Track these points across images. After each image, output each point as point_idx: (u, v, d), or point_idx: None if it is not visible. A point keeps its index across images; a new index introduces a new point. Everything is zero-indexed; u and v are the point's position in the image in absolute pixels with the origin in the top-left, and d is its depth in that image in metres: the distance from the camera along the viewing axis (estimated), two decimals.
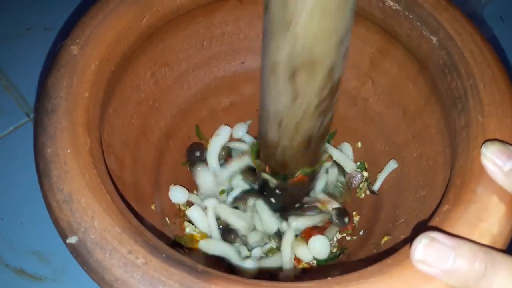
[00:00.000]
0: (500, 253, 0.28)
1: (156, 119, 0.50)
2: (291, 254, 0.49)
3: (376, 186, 0.51)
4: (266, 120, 0.42)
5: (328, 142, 0.55)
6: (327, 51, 0.34)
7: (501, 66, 0.38)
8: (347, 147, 0.55)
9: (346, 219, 0.52)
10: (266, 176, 0.48)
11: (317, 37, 0.33)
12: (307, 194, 0.53)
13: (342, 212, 0.52)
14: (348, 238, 0.51)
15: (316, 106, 0.38)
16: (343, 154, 0.55)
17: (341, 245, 0.52)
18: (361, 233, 0.50)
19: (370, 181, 0.53)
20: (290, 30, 0.32)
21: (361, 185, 0.53)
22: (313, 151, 0.44)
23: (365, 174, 0.53)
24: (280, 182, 0.48)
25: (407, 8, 0.42)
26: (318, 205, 0.52)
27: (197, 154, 0.55)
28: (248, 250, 0.51)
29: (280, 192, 0.49)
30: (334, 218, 0.52)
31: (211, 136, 0.56)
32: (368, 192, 0.53)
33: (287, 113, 0.39)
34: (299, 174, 0.47)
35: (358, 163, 0.54)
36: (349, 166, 0.55)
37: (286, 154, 0.44)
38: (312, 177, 0.49)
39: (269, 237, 0.52)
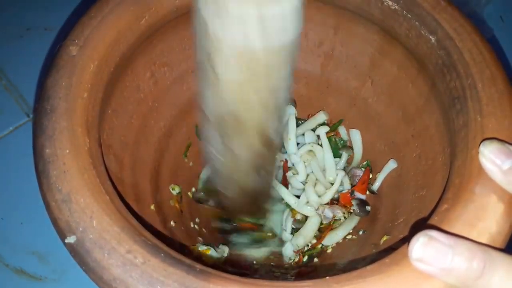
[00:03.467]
0: (498, 251, 0.28)
1: (156, 119, 0.50)
2: None
3: (375, 186, 0.51)
4: (209, 162, 0.40)
5: (333, 132, 0.56)
6: (254, 108, 0.32)
7: (500, 66, 0.38)
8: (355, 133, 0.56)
9: (368, 207, 0.52)
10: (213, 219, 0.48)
11: (242, 90, 0.30)
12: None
13: (363, 201, 0.52)
14: (348, 237, 0.51)
15: (251, 164, 0.37)
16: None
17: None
18: (360, 233, 0.50)
19: (370, 181, 0.53)
20: (216, 78, 0.30)
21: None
22: (254, 204, 0.43)
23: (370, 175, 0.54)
24: (225, 225, 0.48)
25: (406, 8, 0.42)
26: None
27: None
28: None
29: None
30: (354, 207, 0.52)
31: None
32: (367, 192, 0.53)
33: (220, 164, 0.38)
34: (242, 222, 0.47)
35: (364, 162, 0.54)
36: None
37: (225, 201, 0.43)
38: (258, 227, 0.48)
39: None
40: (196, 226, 0.52)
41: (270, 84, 0.31)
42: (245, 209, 0.44)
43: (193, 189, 0.54)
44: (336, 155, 0.56)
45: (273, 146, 0.36)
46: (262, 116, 0.33)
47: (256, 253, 0.51)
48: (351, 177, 0.54)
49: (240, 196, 0.41)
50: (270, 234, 0.51)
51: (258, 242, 0.51)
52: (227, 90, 0.31)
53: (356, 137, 0.55)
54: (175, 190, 0.52)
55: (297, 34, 0.29)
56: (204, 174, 0.55)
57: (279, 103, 0.33)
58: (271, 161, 0.38)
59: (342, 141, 0.56)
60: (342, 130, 0.56)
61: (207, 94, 0.32)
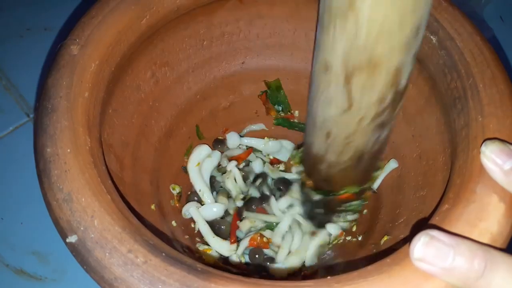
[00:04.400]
0: (499, 251, 0.28)
1: (156, 119, 0.50)
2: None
3: (375, 185, 0.51)
4: (312, 129, 0.37)
5: None
6: (396, 46, 0.28)
7: (501, 66, 0.38)
8: None
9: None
10: (308, 191, 0.44)
11: (386, 23, 0.26)
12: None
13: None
14: (348, 238, 0.51)
15: (373, 118, 0.33)
16: None
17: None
18: (360, 238, 0.50)
19: None
20: (350, 19, 0.27)
21: None
22: (363, 169, 0.39)
23: None
24: (322, 199, 0.44)
25: None
26: None
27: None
28: None
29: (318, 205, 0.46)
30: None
31: (211, 136, 0.56)
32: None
33: (337, 124, 0.34)
34: (345, 193, 0.43)
35: None
36: None
37: (331, 170, 0.39)
38: (359, 195, 0.44)
39: None
40: (195, 226, 0.52)
41: (415, 23, 0.28)
42: (355, 176, 0.40)
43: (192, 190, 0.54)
44: None
45: (402, 98, 0.32)
46: (402, 60, 0.29)
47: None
48: None
49: (354, 161, 0.37)
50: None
51: (357, 209, 0.48)
52: (367, 31, 0.27)
53: None
54: (176, 190, 0.52)
55: None
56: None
57: (418, 45, 0.30)
58: (394, 116, 0.34)
59: None
60: None
61: (336, 42, 0.28)
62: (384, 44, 0.27)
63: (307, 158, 0.41)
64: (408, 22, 0.27)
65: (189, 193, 0.54)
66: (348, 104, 0.31)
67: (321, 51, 0.30)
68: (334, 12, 0.28)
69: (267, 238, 0.51)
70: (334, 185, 0.42)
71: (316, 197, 0.45)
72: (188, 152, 0.54)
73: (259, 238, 0.50)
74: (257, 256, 0.50)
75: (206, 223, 0.51)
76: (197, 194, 0.53)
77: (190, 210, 0.51)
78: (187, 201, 0.53)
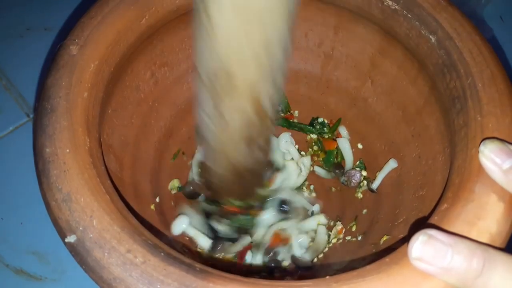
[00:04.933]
0: (497, 250, 0.28)
1: (156, 119, 0.50)
2: None
3: (375, 185, 0.51)
4: (203, 140, 0.40)
5: (333, 132, 0.56)
6: (247, 63, 0.31)
7: (500, 66, 0.38)
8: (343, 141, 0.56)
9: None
10: (201, 202, 0.47)
11: (236, 41, 0.30)
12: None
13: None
14: (347, 238, 0.51)
15: (241, 133, 0.36)
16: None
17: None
18: (359, 238, 0.50)
19: (370, 180, 0.53)
20: (210, 31, 0.30)
21: (360, 185, 0.53)
22: (243, 184, 0.42)
23: (364, 173, 0.53)
24: (213, 209, 0.47)
25: (406, 8, 0.42)
26: None
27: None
28: None
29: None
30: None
31: None
32: (367, 191, 0.53)
33: (212, 135, 0.37)
34: (230, 205, 0.46)
35: (358, 162, 0.54)
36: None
37: (215, 180, 0.42)
38: (245, 210, 0.47)
39: None
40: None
41: (264, 37, 0.30)
42: (234, 189, 0.43)
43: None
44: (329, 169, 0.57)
45: (267, 117, 0.35)
46: (255, 75, 0.32)
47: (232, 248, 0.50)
48: (348, 178, 0.54)
49: (230, 173, 0.40)
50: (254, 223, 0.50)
51: (241, 229, 0.50)
52: (220, 41, 0.30)
53: (344, 145, 0.55)
54: (175, 187, 0.52)
55: None
56: (194, 163, 0.54)
57: (274, 64, 0.32)
58: (264, 134, 0.37)
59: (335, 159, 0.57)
60: (342, 130, 0.56)
61: (202, 48, 0.32)
62: (236, 58, 0.30)
63: (202, 168, 0.45)
64: (255, 40, 0.30)
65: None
66: (218, 114, 0.34)
67: (196, 59, 0.34)
68: (200, 25, 0.31)
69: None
70: (218, 195, 0.45)
71: (207, 207, 0.48)
72: (176, 156, 0.54)
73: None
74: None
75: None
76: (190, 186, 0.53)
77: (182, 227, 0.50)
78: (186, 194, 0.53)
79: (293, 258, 0.50)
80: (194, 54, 0.33)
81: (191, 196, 0.53)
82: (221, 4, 0.29)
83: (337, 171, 0.56)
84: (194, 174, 0.54)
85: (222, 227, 0.49)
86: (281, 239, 0.51)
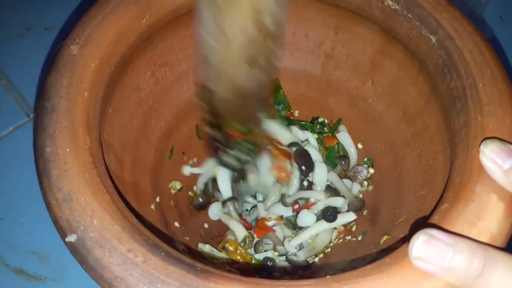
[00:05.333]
0: (498, 250, 0.28)
1: (156, 119, 0.50)
2: None
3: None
4: (200, 59, 0.39)
5: (333, 132, 0.56)
6: None
7: (500, 66, 0.38)
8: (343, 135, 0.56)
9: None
10: (204, 127, 0.46)
11: None
12: None
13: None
14: (347, 238, 0.51)
15: (242, 51, 0.35)
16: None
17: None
18: (359, 238, 0.50)
19: (371, 176, 0.53)
20: None
21: (364, 183, 0.53)
22: (246, 107, 0.41)
23: (372, 170, 0.53)
24: (216, 133, 0.46)
25: (407, 8, 0.42)
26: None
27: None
28: None
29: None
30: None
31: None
32: (367, 191, 0.53)
33: (213, 53, 0.37)
34: (232, 129, 0.44)
35: (366, 159, 0.54)
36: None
37: (217, 103, 0.41)
38: (250, 137, 0.46)
39: None
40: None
41: None
42: (236, 112, 0.42)
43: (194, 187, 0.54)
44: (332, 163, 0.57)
45: (269, 35, 0.35)
46: None
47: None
48: (354, 174, 0.54)
49: (232, 95, 0.39)
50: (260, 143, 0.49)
51: (250, 152, 0.49)
52: None
53: (345, 139, 0.55)
54: (176, 188, 0.52)
55: None
56: (200, 182, 0.56)
57: None
58: (267, 54, 0.36)
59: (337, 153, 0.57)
60: (342, 129, 0.56)
61: None
62: None
63: (205, 93, 0.43)
64: None
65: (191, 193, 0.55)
66: (218, 30, 0.34)
67: None
68: None
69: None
70: (221, 119, 0.44)
71: (210, 131, 0.46)
72: (171, 153, 0.54)
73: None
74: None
75: None
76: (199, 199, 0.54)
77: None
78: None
79: (287, 257, 0.50)
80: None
81: (202, 208, 0.54)
82: None
83: (342, 162, 0.56)
84: (198, 189, 0.54)
85: (228, 157, 0.49)
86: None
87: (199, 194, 0.55)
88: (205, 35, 0.36)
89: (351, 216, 0.51)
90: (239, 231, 0.52)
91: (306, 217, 0.52)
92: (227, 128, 0.45)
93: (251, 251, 0.51)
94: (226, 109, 0.42)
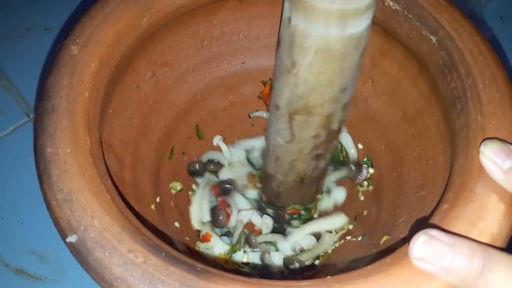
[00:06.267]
0: (498, 250, 0.28)
1: (156, 119, 0.50)
2: None
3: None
4: (266, 152, 0.44)
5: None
6: (325, 99, 0.34)
7: (501, 66, 0.38)
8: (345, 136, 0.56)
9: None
10: (263, 204, 0.51)
11: (317, 83, 0.33)
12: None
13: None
14: (348, 238, 0.51)
15: (311, 150, 0.39)
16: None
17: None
18: (359, 238, 0.50)
19: (370, 176, 0.53)
20: (292, 73, 0.33)
21: (364, 183, 0.53)
22: (306, 190, 0.46)
23: (371, 170, 0.53)
24: (273, 212, 0.50)
25: (407, 8, 0.42)
26: None
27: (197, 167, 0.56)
28: None
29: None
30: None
31: (211, 136, 0.56)
32: (367, 191, 0.53)
33: (283, 151, 0.41)
34: (291, 209, 0.49)
35: (365, 159, 0.54)
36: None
37: (280, 188, 0.46)
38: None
39: None
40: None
41: (342, 81, 0.34)
42: (299, 195, 0.47)
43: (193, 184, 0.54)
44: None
45: (334, 136, 0.39)
46: (331, 110, 0.35)
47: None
48: (354, 175, 0.54)
49: (297, 183, 0.44)
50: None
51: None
52: (303, 84, 0.33)
53: (346, 140, 0.55)
54: (176, 189, 0.52)
55: (367, 25, 0.32)
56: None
57: (347, 97, 0.36)
58: (329, 149, 0.40)
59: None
60: (342, 130, 0.56)
61: (283, 89, 0.35)
62: (316, 96, 0.34)
63: (263, 177, 0.48)
64: (335, 83, 0.33)
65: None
66: (291, 137, 0.38)
67: (274, 95, 0.38)
68: (283, 68, 0.34)
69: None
70: (282, 201, 0.49)
71: (269, 210, 0.51)
72: (171, 154, 0.54)
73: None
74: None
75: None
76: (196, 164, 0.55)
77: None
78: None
79: (285, 259, 0.50)
80: (273, 90, 0.37)
81: (194, 173, 0.55)
82: (307, 55, 0.32)
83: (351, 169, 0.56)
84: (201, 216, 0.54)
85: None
86: None
87: (196, 161, 0.56)
88: (278, 139, 0.40)
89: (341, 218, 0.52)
90: (219, 247, 0.51)
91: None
92: (286, 208, 0.49)
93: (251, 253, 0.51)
94: (288, 193, 0.47)
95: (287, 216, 0.51)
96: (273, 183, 0.46)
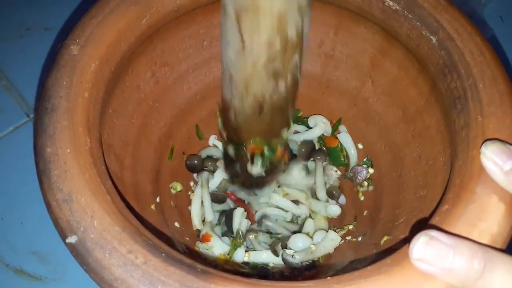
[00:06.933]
0: (498, 251, 0.28)
1: (156, 119, 0.50)
2: None
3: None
4: (223, 76, 0.40)
5: (333, 132, 0.56)
6: None
7: (501, 66, 0.38)
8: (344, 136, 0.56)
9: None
10: (224, 144, 0.47)
11: None
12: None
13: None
14: (348, 238, 0.51)
15: (266, 63, 0.35)
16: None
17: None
18: (359, 238, 0.50)
19: (370, 176, 0.53)
20: None
21: (364, 183, 0.53)
22: (267, 121, 0.41)
23: (371, 170, 0.53)
24: (236, 151, 0.46)
25: (407, 8, 0.42)
26: None
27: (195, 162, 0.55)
28: None
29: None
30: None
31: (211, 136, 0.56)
32: (367, 191, 0.53)
33: (235, 66, 0.37)
34: (252, 145, 0.44)
35: (365, 159, 0.54)
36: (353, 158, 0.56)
37: (238, 118, 0.41)
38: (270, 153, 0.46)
39: None
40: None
41: None
42: (258, 127, 0.42)
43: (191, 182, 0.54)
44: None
45: (293, 48, 0.35)
46: (283, 6, 0.32)
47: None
48: (354, 174, 0.54)
49: (254, 110, 0.39)
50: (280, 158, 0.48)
51: (268, 168, 0.48)
52: None
53: (346, 140, 0.56)
54: (176, 189, 0.52)
55: None
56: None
57: None
58: (291, 68, 0.36)
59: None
60: (342, 129, 0.56)
61: None
62: None
63: (222, 108, 0.43)
64: None
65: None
66: (241, 44, 0.34)
67: None
68: None
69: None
70: (241, 135, 0.43)
71: (230, 148, 0.46)
72: (171, 154, 0.54)
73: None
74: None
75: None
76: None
77: None
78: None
79: (283, 255, 0.50)
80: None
81: (193, 169, 0.55)
82: None
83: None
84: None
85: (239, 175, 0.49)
86: None
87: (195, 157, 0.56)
88: (229, 51, 0.36)
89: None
90: (219, 247, 0.51)
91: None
92: (248, 143, 0.44)
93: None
94: (248, 124, 0.42)
95: (248, 155, 0.46)
96: (231, 113, 0.41)
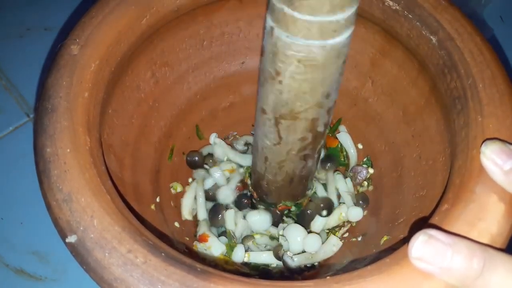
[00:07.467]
0: (497, 251, 0.28)
1: (156, 119, 0.50)
2: None
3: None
4: (256, 152, 0.45)
5: (333, 132, 0.56)
6: (309, 105, 0.35)
7: (501, 66, 0.38)
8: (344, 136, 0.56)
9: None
10: (254, 201, 0.52)
11: (301, 90, 0.34)
12: None
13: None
14: (346, 236, 0.51)
15: (298, 151, 0.40)
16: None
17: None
18: (359, 238, 0.50)
19: (370, 176, 0.53)
20: (277, 81, 0.34)
21: (363, 183, 0.53)
22: (296, 187, 0.47)
23: (371, 170, 0.53)
24: (265, 208, 0.51)
25: (407, 8, 0.42)
26: None
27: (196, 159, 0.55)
28: None
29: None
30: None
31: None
32: (367, 191, 0.53)
33: (271, 152, 0.42)
34: (282, 205, 0.50)
35: (365, 159, 0.54)
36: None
37: (270, 186, 0.47)
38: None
39: None
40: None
41: (325, 87, 0.35)
42: (287, 192, 0.48)
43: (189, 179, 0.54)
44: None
45: (320, 137, 0.40)
46: (316, 114, 0.37)
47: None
48: (354, 174, 0.54)
49: (286, 182, 0.45)
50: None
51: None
52: (288, 92, 0.35)
53: (346, 140, 0.56)
54: (176, 190, 0.52)
55: (349, 35, 0.33)
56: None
57: (331, 102, 0.37)
58: (317, 150, 0.42)
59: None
60: (342, 130, 0.56)
61: (268, 94, 0.36)
62: (301, 103, 0.35)
63: (253, 175, 0.49)
64: (318, 90, 0.35)
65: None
66: (278, 139, 0.40)
67: (259, 100, 0.39)
68: (267, 75, 0.35)
69: None
70: (273, 198, 0.50)
71: (260, 207, 0.51)
72: (171, 154, 0.54)
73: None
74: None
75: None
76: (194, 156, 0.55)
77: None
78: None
79: (283, 258, 0.50)
80: (259, 95, 0.39)
81: (193, 165, 0.56)
82: (290, 64, 0.32)
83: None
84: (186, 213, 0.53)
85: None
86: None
87: (196, 153, 0.56)
88: (266, 141, 0.41)
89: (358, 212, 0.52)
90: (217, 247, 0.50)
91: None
92: (277, 205, 0.51)
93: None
94: (279, 192, 0.48)
95: (278, 212, 0.52)
96: (263, 182, 0.47)
